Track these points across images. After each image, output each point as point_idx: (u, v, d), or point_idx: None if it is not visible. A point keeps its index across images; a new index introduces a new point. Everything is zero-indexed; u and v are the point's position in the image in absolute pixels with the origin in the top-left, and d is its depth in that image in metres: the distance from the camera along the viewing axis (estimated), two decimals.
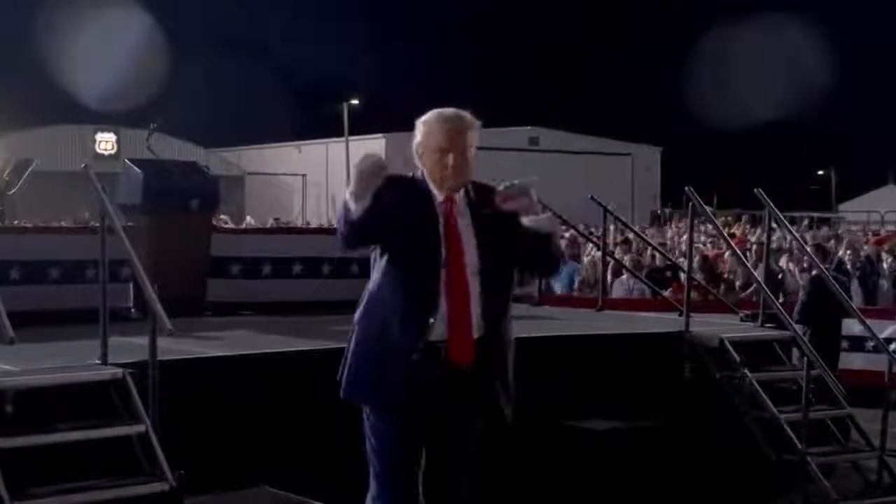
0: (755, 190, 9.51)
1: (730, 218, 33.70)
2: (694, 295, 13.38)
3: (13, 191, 10.61)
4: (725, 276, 15.63)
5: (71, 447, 6.22)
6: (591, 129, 59.08)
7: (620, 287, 15.13)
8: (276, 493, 6.62)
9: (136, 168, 9.87)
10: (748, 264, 10.14)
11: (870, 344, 12.74)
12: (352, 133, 54.42)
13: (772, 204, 9.49)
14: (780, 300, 14.53)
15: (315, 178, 57.12)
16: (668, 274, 15.13)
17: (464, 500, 4.64)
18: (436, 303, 4.33)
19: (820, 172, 70.91)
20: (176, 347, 7.12)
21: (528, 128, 58.01)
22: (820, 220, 41.13)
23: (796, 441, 8.39)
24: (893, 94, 73.06)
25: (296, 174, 58.28)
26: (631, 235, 15.38)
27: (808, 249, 11.74)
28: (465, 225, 4.39)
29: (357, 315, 4.57)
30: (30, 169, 10.54)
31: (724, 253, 16.22)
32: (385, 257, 4.43)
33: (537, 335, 8.52)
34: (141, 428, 6.33)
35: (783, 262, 16.22)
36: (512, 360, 4.62)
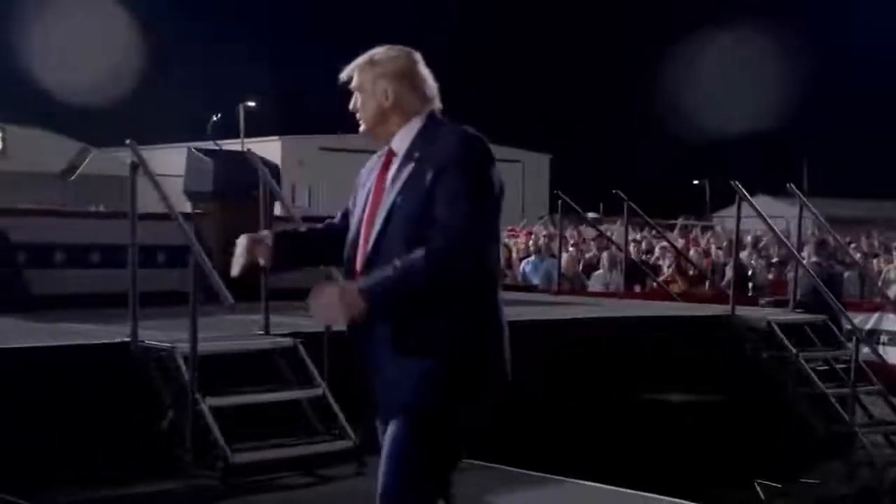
0: (788, 185, 10.30)
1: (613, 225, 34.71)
2: (683, 286, 14.29)
3: (73, 177, 10.89)
4: (691, 272, 16.57)
5: (249, 408, 6.70)
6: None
7: (598, 281, 15.89)
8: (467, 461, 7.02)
9: (204, 157, 10.28)
10: (799, 256, 10.87)
11: None
12: (248, 135, 54.37)
13: (803, 196, 10.31)
14: (750, 293, 15.54)
15: None
16: (644, 269, 16.01)
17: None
18: (353, 260, 3.76)
19: (696, 182, 73.12)
20: (288, 322, 7.57)
21: None
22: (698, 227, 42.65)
23: (844, 414, 9.23)
24: (764, 109, 75.50)
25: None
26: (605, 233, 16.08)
27: (812, 243, 12.63)
28: (394, 177, 3.72)
29: None
30: (89, 157, 10.83)
31: (688, 251, 17.09)
32: None
33: (607, 316, 9.23)
34: (318, 391, 6.84)
35: (744, 255, 17.20)
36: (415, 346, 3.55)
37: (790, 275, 16.36)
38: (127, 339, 6.70)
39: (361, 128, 3.84)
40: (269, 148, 56.17)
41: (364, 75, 3.79)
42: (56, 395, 6.32)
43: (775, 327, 9.57)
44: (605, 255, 16.39)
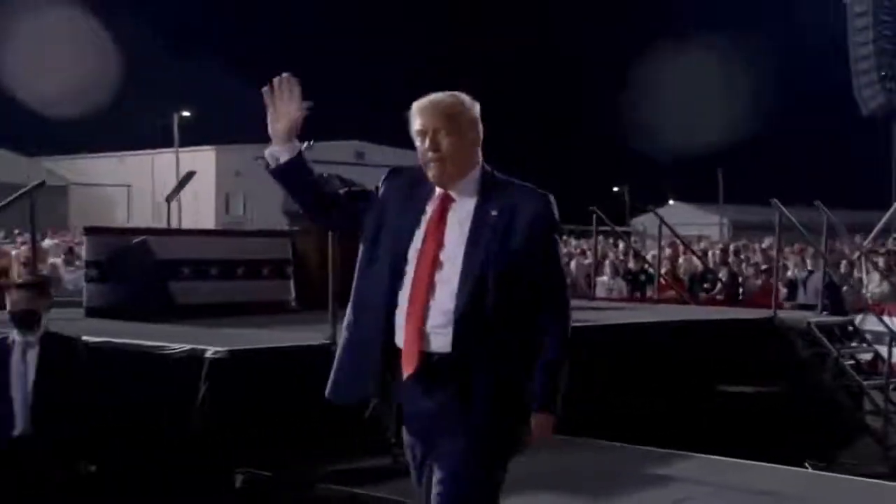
0: (815, 202, 11.66)
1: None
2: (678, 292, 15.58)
3: (173, 199, 11.87)
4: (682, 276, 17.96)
5: None
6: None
7: (602, 287, 17.17)
8: (601, 442, 7.98)
9: None
10: (831, 269, 12.26)
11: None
12: (182, 144, 54.79)
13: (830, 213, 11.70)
14: (741, 297, 16.97)
15: (140, 189, 57.13)
16: (643, 277, 17.39)
17: None
18: (391, 300, 3.78)
19: (615, 189, 75.03)
20: None
21: (355, 142, 59.24)
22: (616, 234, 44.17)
23: (879, 403, 10.65)
24: (674, 120, 77.55)
25: (121, 185, 58.23)
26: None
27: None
28: (457, 222, 3.77)
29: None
30: (191, 180, 11.83)
31: (677, 257, 18.42)
32: (361, 249, 3.94)
33: (684, 319, 10.59)
34: None
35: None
36: (503, 397, 3.71)
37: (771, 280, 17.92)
38: (327, 342, 7.78)
39: (434, 171, 3.80)
40: (203, 157, 56.67)
41: (455, 118, 3.80)
42: (278, 390, 7.43)
43: (814, 328, 10.94)
44: (607, 262, 17.72)
